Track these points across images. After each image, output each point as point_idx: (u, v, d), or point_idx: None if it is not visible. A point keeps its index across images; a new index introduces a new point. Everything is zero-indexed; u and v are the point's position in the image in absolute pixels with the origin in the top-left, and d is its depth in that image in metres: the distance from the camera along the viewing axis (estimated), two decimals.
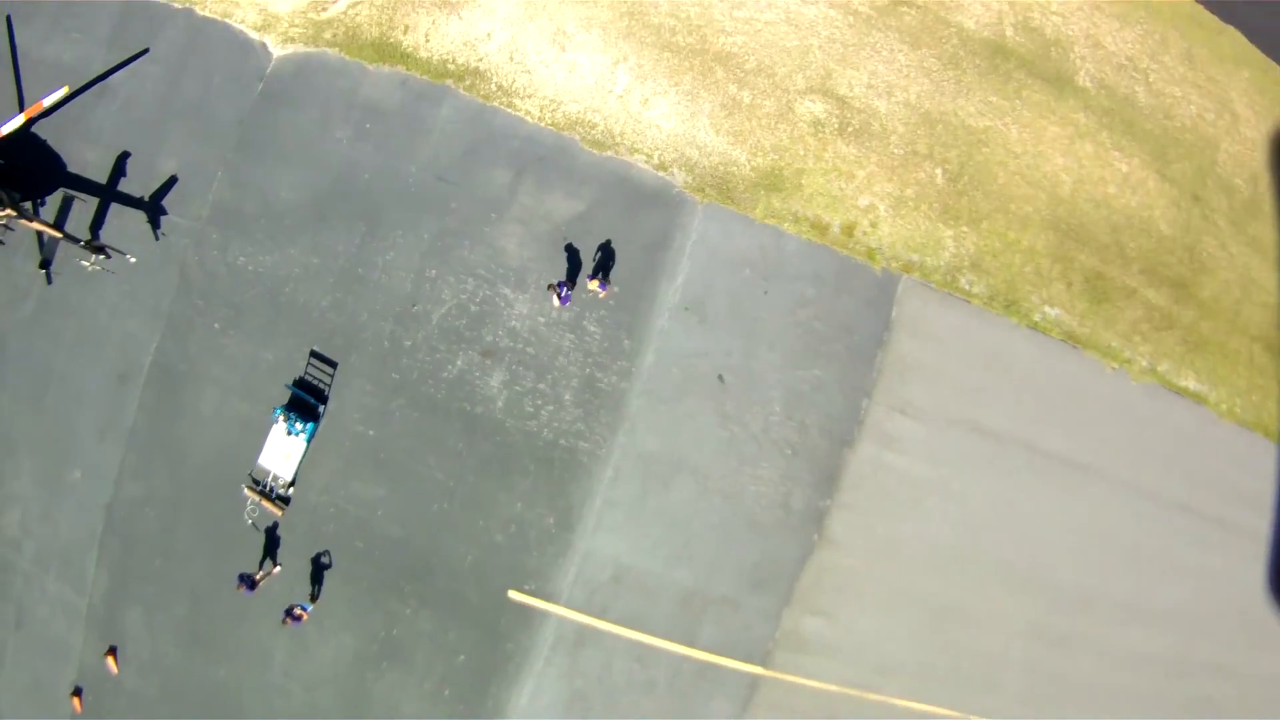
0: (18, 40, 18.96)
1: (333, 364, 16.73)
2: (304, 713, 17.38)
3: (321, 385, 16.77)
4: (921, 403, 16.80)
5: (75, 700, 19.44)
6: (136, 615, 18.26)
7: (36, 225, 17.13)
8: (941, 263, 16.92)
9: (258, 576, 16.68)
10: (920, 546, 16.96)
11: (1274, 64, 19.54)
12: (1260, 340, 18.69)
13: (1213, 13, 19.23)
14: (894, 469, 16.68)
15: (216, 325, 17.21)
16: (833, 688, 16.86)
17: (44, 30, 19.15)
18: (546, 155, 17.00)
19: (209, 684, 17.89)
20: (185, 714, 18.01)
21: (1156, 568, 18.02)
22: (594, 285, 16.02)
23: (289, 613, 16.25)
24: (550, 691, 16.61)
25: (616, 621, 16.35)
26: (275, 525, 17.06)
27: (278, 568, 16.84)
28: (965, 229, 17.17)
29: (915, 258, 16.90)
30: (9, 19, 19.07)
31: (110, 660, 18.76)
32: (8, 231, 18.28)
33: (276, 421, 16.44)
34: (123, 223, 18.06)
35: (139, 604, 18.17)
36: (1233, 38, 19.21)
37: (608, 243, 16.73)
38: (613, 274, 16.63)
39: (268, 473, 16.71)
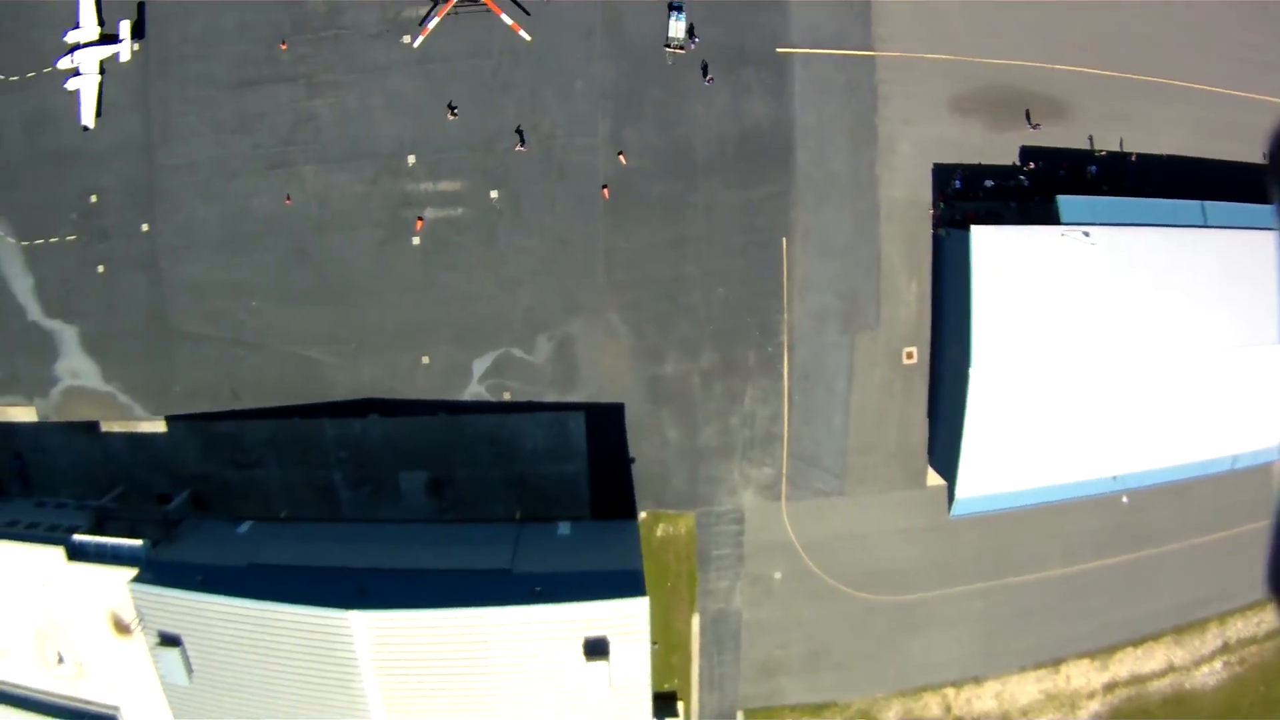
0: None
1: None
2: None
3: None
4: None
5: (604, 191, 39.91)
6: (629, 130, 39.81)
7: None
8: None
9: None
10: None
11: None
12: None
13: None
14: None
15: None
16: None
17: None
18: None
19: (666, 138, 39.67)
20: (672, 161, 39.46)
21: None
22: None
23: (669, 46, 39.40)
24: None
25: None
26: None
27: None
28: None
29: None
30: None
31: (621, 158, 39.73)
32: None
33: None
34: None
35: (625, 123, 39.72)
36: None
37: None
38: None
39: None
